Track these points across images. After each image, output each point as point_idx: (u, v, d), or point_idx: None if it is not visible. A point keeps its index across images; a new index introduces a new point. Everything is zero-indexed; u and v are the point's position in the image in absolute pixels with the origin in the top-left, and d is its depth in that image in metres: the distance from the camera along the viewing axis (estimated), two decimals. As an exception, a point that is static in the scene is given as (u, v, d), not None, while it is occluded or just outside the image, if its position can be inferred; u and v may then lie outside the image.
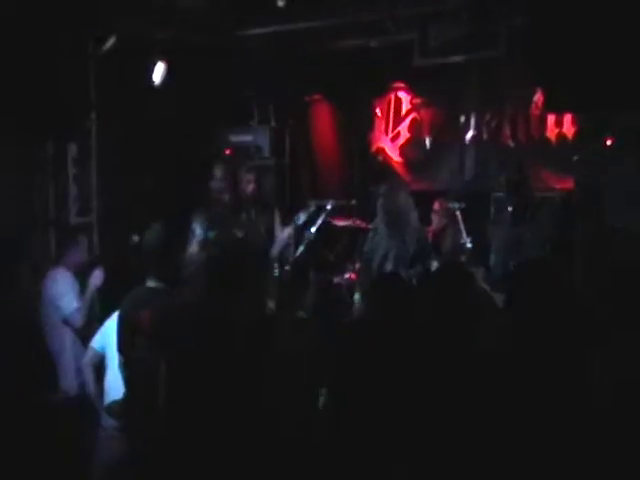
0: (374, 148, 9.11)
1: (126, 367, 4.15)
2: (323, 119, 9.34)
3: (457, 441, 2.91)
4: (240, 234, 6.38)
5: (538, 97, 7.63)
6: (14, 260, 6.01)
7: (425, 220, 7.22)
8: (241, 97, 8.39)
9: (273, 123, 8.70)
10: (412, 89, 8.79)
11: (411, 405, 2.82)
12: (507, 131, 8.16)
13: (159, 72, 7.20)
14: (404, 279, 4.21)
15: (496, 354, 3.18)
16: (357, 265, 6.92)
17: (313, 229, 6.92)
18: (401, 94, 8.90)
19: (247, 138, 8.49)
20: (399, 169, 8.99)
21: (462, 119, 8.44)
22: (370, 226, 6.63)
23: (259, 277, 4.19)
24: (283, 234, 6.56)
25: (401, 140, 8.95)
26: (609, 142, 6.70)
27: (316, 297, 4.47)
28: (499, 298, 4.06)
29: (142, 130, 7.23)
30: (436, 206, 7.18)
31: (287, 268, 5.99)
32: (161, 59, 7.19)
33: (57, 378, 5.47)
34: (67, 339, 5.44)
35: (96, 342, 5.04)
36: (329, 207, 7.10)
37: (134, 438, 3.83)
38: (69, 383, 5.39)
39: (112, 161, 7.14)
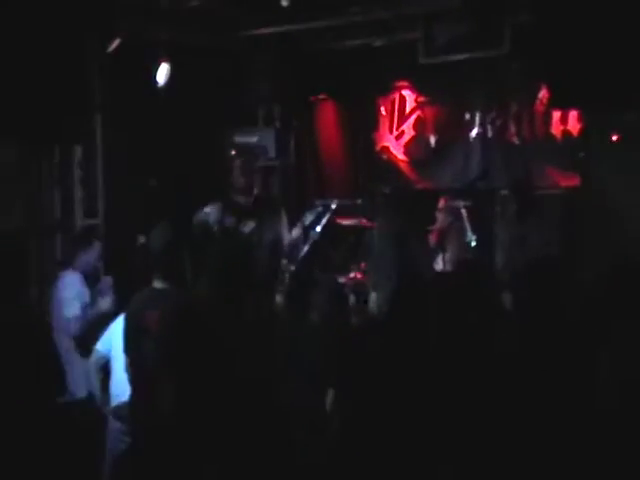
0: (379, 147, 9.10)
1: (133, 368, 4.16)
2: (328, 119, 9.34)
3: (464, 441, 2.91)
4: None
5: (543, 94, 7.61)
6: (21, 263, 6.02)
7: (430, 218, 7.23)
8: (246, 98, 8.40)
9: (278, 123, 8.71)
10: (416, 87, 8.78)
11: (426, 406, 2.83)
12: (512, 128, 8.14)
13: (163, 73, 7.21)
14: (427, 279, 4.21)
15: (504, 354, 3.18)
16: (362, 264, 6.93)
17: (318, 229, 6.93)
18: (405, 92, 8.89)
19: (252, 139, 8.50)
20: (404, 167, 8.98)
21: (467, 117, 8.42)
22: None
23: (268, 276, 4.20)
24: (293, 235, 6.58)
25: (406, 138, 8.94)
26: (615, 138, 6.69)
27: (323, 297, 4.47)
28: (506, 298, 4.05)
29: (147, 132, 7.24)
30: (441, 204, 7.17)
31: (293, 268, 6.01)
32: (165, 60, 7.20)
33: (65, 381, 5.47)
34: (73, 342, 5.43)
35: (101, 344, 5.04)
36: (334, 207, 7.10)
37: (141, 440, 3.83)
38: (77, 386, 5.39)
39: (117, 163, 7.15)
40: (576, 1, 5.71)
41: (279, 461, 3.39)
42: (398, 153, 8.99)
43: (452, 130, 8.58)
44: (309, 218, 6.63)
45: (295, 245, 6.80)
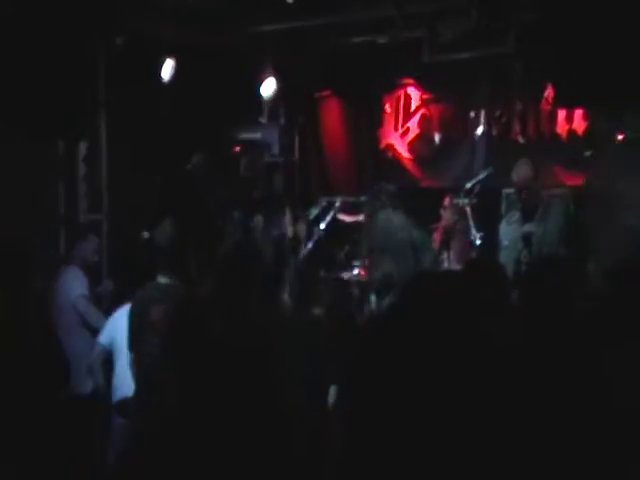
0: (383, 144, 9.09)
1: (137, 364, 4.16)
2: (332, 115, 9.33)
3: (467, 440, 2.90)
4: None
5: (548, 93, 7.59)
6: (25, 258, 6.01)
7: (435, 216, 7.22)
8: (250, 94, 8.39)
9: (282, 120, 8.70)
10: (421, 85, 8.76)
11: (431, 405, 2.82)
12: (517, 127, 8.13)
13: (168, 69, 7.20)
14: (437, 276, 4.19)
15: (509, 352, 3.17)
16: (366, 261, 6.92)
17: (322, 225, 6.93)
18: (410, 90, 8.88)
19: (256, 135, 8.49)
20: (408, 165, 8.97)
21: (472, 115, 8.41)
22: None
23: (273, 274, 4.19)
24: (297, 231, 6.58)
25: (410, 136, 8.93)
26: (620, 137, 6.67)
27: (327, 294, 4.47)
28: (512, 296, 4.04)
29: (151, 128, 7.24)
30: (446, 202, 7.17)
31: (297, 264, 6.01)
32: (170, 56, 7.19)
33: (69, 376, 5.46)
34: (79, 337, 5.43)
35: (103, 338, 5.03)
36: (338, 203, 7.09)
37: (145, 436, 3.82)
38: (81, 381, 5.38)
39: (122, 159, 7.15)
40: (581, 0, 5.71)
41: (280, 458, 3.38)
42: (403, 151, 8.97)
43: (457, 128, 8.57)
44: (313, 215, 6.62)
45: (299, 242, 6.80)
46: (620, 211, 6.27)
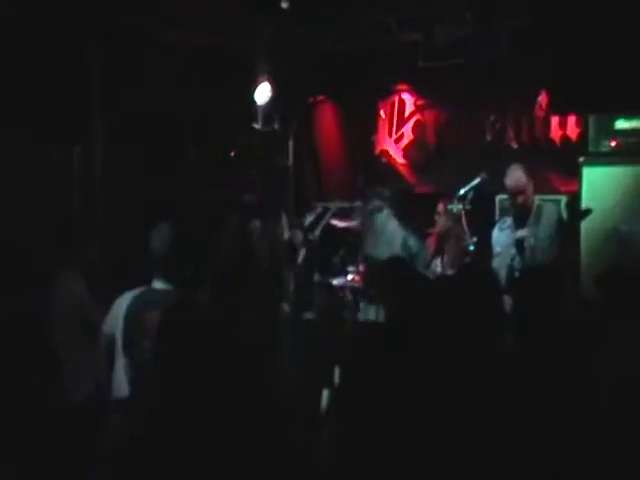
0: (378, 150, 9.11)
1: (132, 369, 4.16)
2: (327, 121, 9.34)
3: (461, 445, 2.91)
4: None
5: (542, 98, 7.62)
6: (23, 262, 6.02)
7: (430, 222, 7.24)
8: (245, 99, 8.40)
9: (277, 125, 8.71)
10: (416, 91, 8.79)
11: (427, 408, 2.83)
12: (511, 133, 8.15)
13: None
14: (428, 279, 4.21)
15: (500, 358, 3.19)
16: (361, 267, 6.94)
17: (317, 231, 6.94)
18: (405, 96, 8.90)
19: (251, 140, 8.49)
20: (403, 171, 8.99)
21: (466, 121, 8.44)
22: None
23: (266, 278, 4.20)
24: (293, 237, 6.59)
25: (405, 142, 8.95)
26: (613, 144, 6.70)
27: (322, 299, 4.49)
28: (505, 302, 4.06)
29: (147, 130, 7.24)
30: (440, 208, 7.19)
31: (293, 270, 6.02)
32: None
33: (63, 381, 5.44)
34: (76, 342, 5.40)
35: (107, 326, 5.00)
36: (332, 209, 7.11)
37: (141, 438, 3.83)
38: (74, 388, 5.34)
39: (118, 161, 7.15)
40: (576, 6, 5.73)
41: (276, 459, 3.39)
42: (397, 157, 9.00)
43: (451, 134, 8.59)
44: (308, 220, 6.64)
45: (295, 247, 6.81)
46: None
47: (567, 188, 7.37)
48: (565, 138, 7.75)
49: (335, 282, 6.99)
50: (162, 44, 7.21)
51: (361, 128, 9.21)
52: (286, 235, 6.62)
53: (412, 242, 6.64)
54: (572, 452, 2.84)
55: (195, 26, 7.30)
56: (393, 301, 3.88)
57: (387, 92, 8.96)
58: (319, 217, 6.95)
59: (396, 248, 6.46)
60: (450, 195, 6.72)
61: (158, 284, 4.12)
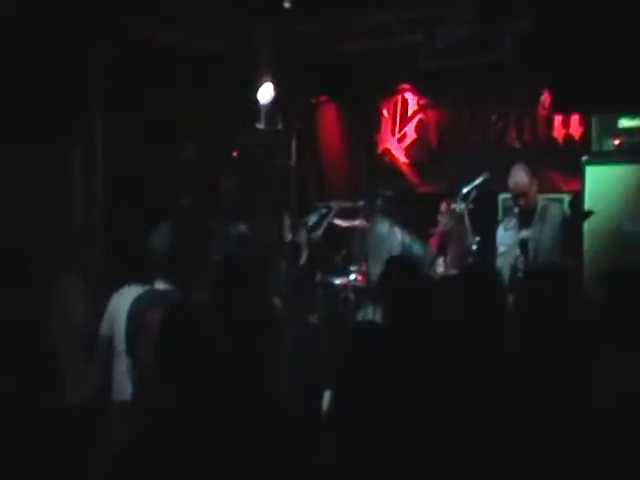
0: (380, 149, 9.10)
1: (135, 369, 4.15)
2: (329, 121, 9.34)
3: (462, 445, 2.90)
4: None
5: (545, 98, 7.61)
6: (23, 264, 6.00)
7: (432, 221, 7.23)
8: (247, 99, 8.40)
9: (279, 125, 8.70)
10: (418, 90, 8.78)
11: (428, 410, 2.82)
12: (513, 132, 8.14)
13: None
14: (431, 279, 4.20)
15: (504, 358, 3.18)
16: (363, 267, 6.93)
17: (320, 231, 6.93)
18: (407, 95, 8.90)
19: (254, 140, 8.50)
20: (405, 170, 8.98)
21: (468, 120, 8.43)
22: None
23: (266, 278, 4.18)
24: (296, 237, 6.59)
25: (407, 141, 8.94)
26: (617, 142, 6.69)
27: (324, 299, 4.48)
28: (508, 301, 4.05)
29: (147, 133, 7.24)
30: (443, 207, 7.18)
31: (296, 270, 6.01)
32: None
33: (64, 384, 5.43)
34: (73, 345, 5.39)
35: (105, 327, 5.00)
36: (335, 209, 7.10)
37: (143, 440, 3.82)
38: (72, 391, 5.32)
39: (117, 163, 7.15)
40: (577, 6, 5.72)
41: (277, 462, 3.38)
42: (400, 156, 8.99)
43: (454, 133, 8.58)
44: (312, 219, 6.63)
45: (298, 247, 6.81)
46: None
47: (570, 187, 7.36)
48: (568, 137, 7.74)
49: (337, 282, 6.99)
50: (163, 44, 7.21)
51: (364, 128, 9.20)
52: (288, 235, 6.61)
53: (417, 249, 6.64)
54: (573, 452, 2.83)
55: (196, 26, 7.30)
56: (394, 301, 3.87)
57: (390, 92, 8.95)
58: (321, 217, 6.93)
59: (397, 249, 6.45)
60: (453, 194, 6.71)
61: (159, 284, 4.12)
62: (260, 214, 6.87)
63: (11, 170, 6.32)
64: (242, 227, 6.91)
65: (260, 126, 8.63)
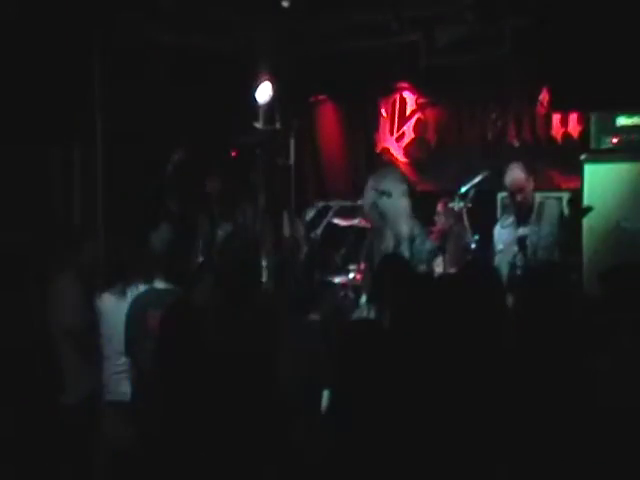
0: (379, 148, 9.10)
1: (135, 369, 4.17)
2: (328, 120, 9.34)
3: (462, 442, 2.91)
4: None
5: (543, 96, 7.61)
6: (21, 265, 6.02)
7: (431, 220, 7.23)
8: (246, 98, 8.41)
9: (278, 124, 8.70)
10: (417, 89, 8.78)
11: (428, 408, 2.83)
12: (512, 130, 8.15)
13: None
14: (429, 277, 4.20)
15: (503, 355, 3.19)
16: (362, 265, 6.93)
17: (319, 230, 6.93)
18: (406, 94, 8.89)
19: (253, 139, 8.49)
20: (404, 169, 8.98)
21: (467, 119, 8.44)
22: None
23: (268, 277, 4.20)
24: (296, 235, 6.59)
25: (406, 140, 8.94)
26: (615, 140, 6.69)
27: (323, 297, 4.48)
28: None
29: (147, 132, 7.24)
30: (440, 207, 7.19)
31: (295, 268, 6.01)
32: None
33: (62, 385, 5.42)
34: (69, 345, 5.38)
35: (89, 329, 5.01)
36: (334, 207, 7.10)
37: (144, 440, 3.83)
38: (73, 390, 5.32)
39: (117, 161, 7.15)
40: (576, 3, 5.73)
41: (277, 461, 3.39)
42: (398, 155, 8.99)
43: (452, 132, 8.58)
44: (309, 216, 6.63)
45: (298, 246, 6.81)
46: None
47: (569, 185, 7.36)
48: (567, 135, 7.74)
49: (337, 280, 6.99)
50: (162, 44, 7.21)
51: (362, 127, 9.21)
52: (287, 234, 6.61)
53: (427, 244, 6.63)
54: (572, 449, 2.83)
55: (195, 26, 7.31)
56: (392, 300, 3.88)
57: (388, 91, 8.95)
58: (320, 215, 6.93)
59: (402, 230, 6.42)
60: (451, 193, 6.72)
61: (159, 284, 4.14)
62: (248, 212, 6.87)
63: (11, 170, 6.32)
64: (228, 227, 6.91)
65: (258, 125, 8.64)
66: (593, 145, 6.87)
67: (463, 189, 6.47)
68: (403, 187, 6.61)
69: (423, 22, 7.50)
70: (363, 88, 8.68)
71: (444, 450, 2.80)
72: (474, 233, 6.48)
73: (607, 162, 6.61)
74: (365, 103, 9.09)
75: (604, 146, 6.74)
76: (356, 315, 5.49)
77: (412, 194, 6.67)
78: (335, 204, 7.16)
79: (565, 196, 7.07)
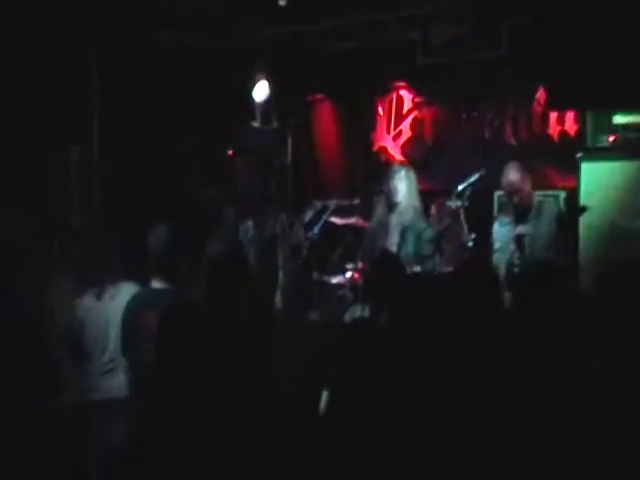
0: (376, 147, 9.10)
1: (132, 369, 4.17)
2: (325, 119, 9.34)
3: (460, 443, 2.91)
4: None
5: (540, 95, 7.62)
6: (18, 265, 6.01)
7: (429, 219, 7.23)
8: (243, 98, 8.41)
9: (275, 123, 8.71)
10: (414, 88, 8.78)
11: (426, 408, 2.83)
12: (509, 129, 8.15)
13: None
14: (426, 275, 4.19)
15: (501, 354, 3.19)
16: (360, 265, 6.93)
17: (316, 229, 6.93)
18: (403, 93, 8.89)
19: (249, 138, 8.50)
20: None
21: (464, 117, 8.44)
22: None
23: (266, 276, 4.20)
24: (293, 235, 6.58)
25: (403, 139, 8.94)
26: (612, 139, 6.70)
27: (322, 297, 4.49)
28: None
29: (144, 132, 7.24)
30: (433, 210, 7.22)
31: (293, 268, 6.01)
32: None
33: (60, 385, 5.42)
34: (67, 345, 5.38)
35: (70, 332, 5.01)
36: (331, 206, 7.11)
37: (141, 441, 3.83)
38: (71, 390, 5.32)
39: (116, 161, 7.15)
40: (573, 2, 5.73)
41: (275, 460, 3.39)
42: (395, 153, 8.99)
43: (449, 131, 8.59)
44: (307, 216, 6.63)
45: (296, 245, 6.81)
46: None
47: (566, 183, 7.37)
48: (563, 134, 7.74)
49: (334, 280, 6.99)
50: (160, 44, 7.21)
51: (359, 125, 9.21)
52: (285, 233, 6.61)
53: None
54: (571, 450, 2.84)
55: (193, 25, 7.31)
56: (387, 299, 3.88)
57: (385, 89, 8.95)
58: (318, 214, 6.93)
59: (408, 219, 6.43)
60: (448, 192, 6.72)
61: (157, 284, 4.14)
62: (264, 212, 6.86)
63: (10, 170, 6.32)
64: (249, 222, 6.88)
65: (256, 124, 8.64)
66: (590, 143, 6.89)
67: (460, 188, 6.48)
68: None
69: (420, 21, 7.50)
70: (360, 87, 8.68)
71: (443, 450, 2.80)
72: (471, 232, 6.49)
73: (604, 160, 6.62)
74: (362, 102, 9.09)
75: (601, 144, 6.76)
76: (349, 314, 5.49)
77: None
78: (332, 203, 7.15)
79: (562, 194, 7.10)
